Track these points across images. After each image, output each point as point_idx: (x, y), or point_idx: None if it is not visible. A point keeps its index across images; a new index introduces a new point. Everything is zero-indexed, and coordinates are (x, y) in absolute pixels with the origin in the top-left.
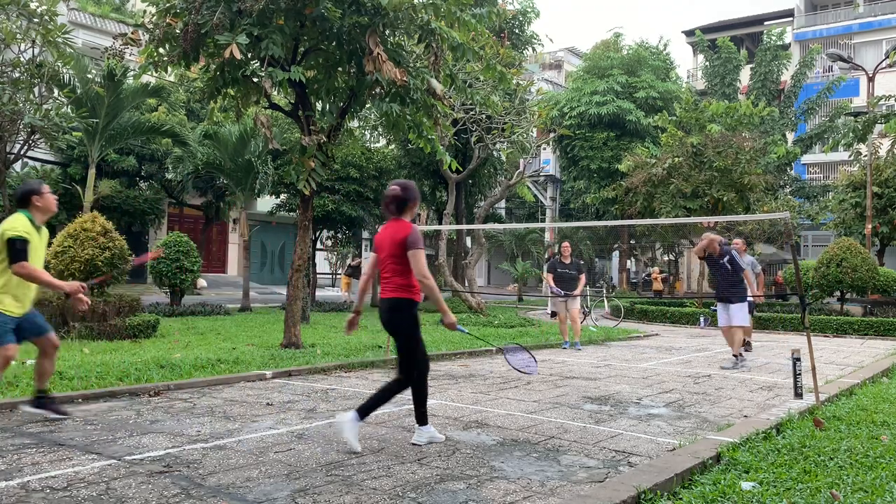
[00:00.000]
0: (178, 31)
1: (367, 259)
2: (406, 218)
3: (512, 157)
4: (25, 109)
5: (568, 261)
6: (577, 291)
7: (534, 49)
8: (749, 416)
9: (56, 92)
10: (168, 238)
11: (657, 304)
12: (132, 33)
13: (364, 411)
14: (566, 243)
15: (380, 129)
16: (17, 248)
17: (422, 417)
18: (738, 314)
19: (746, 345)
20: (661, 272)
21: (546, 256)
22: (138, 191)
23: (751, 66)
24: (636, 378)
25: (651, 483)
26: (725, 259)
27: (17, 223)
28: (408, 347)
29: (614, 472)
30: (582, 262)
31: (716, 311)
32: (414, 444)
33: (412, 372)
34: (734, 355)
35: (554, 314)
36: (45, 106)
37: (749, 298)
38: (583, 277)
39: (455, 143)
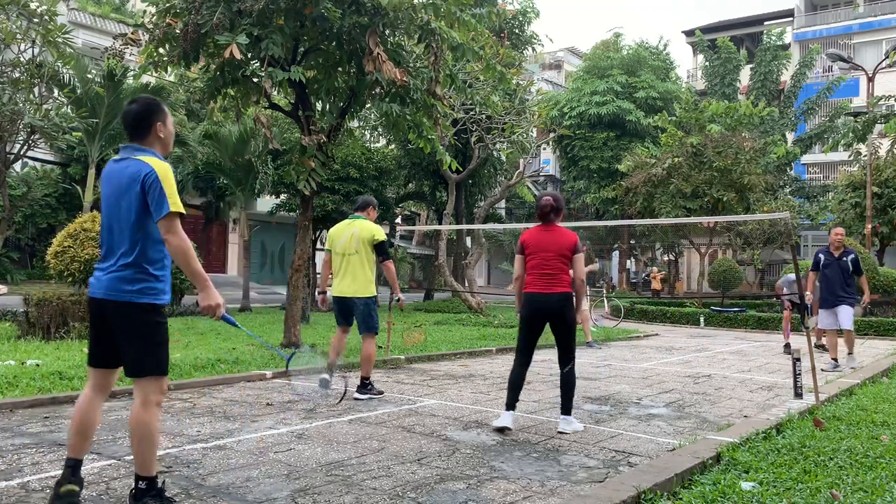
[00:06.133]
0: (178, 31)
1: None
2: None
3: (512, 157)
4: (25, 109)
5: None
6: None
7: (534, 49)
8: (749, 416)
9: (56, 92)
10: None
11: (657, 304)
12: (132, 33)
13: (567, 410)
14: None
15: (380, 129)
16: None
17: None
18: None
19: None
20: (660, 272)
21: None
22: None
23: (751, 66)
24: (636, 378)
25: (651, 483)
26: None
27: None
28: (573, 332)
29: (614, 472)
30: None
31: (715, 311)
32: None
33: (573, 353)
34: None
35: None
36: (45, 106)
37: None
38: None
39: (455, 143)
